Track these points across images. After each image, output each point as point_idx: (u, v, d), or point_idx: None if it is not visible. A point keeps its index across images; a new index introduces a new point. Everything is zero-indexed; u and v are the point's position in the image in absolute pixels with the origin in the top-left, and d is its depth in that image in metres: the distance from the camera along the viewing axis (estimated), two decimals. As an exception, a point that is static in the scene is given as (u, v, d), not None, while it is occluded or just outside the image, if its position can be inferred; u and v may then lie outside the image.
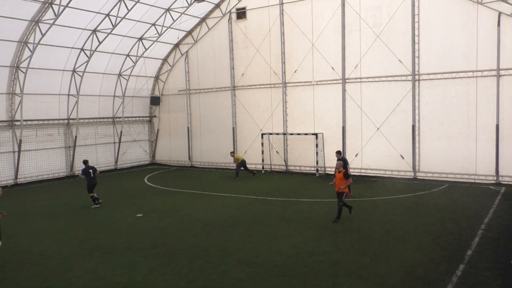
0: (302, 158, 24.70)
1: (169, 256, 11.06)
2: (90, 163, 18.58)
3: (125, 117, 29.89)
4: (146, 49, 28.18)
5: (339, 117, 23.49)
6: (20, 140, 24.10)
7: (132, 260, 10.82)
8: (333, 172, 17.33)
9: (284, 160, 25.75)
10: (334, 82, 23.56)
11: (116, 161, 29.59)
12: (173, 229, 13.71)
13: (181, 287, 9.03)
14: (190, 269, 10.04)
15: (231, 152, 26.06)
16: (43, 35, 22.17)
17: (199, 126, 29.59)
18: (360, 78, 22.69)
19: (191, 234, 13.02)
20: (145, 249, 11.69)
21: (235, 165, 25.18)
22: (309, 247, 11.39)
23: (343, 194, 13.70)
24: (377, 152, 22.45)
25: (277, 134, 25.64)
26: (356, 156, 23.02)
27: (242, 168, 24.38)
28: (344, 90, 23.21)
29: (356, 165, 22.98)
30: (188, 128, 29.99)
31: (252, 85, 26.63)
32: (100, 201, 17.62)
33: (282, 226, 13.40)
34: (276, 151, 25.91)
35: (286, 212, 15.56)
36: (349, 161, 19.88)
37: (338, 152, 18.40)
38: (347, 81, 23.14)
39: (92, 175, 17.46)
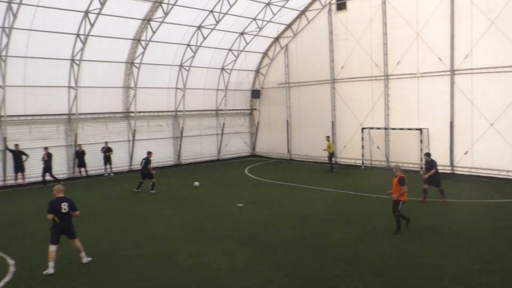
0: (405, 154, 23.59)
1: (267, 247, 11.33)
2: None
3: (227, 110, 31.08)
4: (247, 44, 28.94)
5: (446, 112, 21.96)
6: (134, 130, 26.31)
7: (232, 248, 11.28)
8: (441, 170, 16.37)
9: (385, 156, 24.83)
10: (441, 74, 22.04)
11: (219, 152, 30.93)
12: (271, 220, 14.01)
13: (278, 279, 9.21)
14: (287, 261, 10.19)
15: (327, 137, 25.35)
16: (153, 32, 23.91)
17: (298, 119, 29.70)
18: (472, 69, 20.93)
19: (289, 226, 13.19)
20: (244, 238, 12.11)
21: (326, 153, 24.84)
22: (410, 249, 10.91)
23: (399, 202, 12.11)
24: (490, 150, 20.59)
25: (378, 128, 24.78)
26: (465, 154, 21.37)
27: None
28: (452, 82, 21.63)
29: (465, 164, 21.37)
30: (287, 121, 30.26)
31: (352, 78, 26.00)
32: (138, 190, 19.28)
33: (382, 224, 12.97)
34: (377, 146, 25.07)
35: (387, 210, 15.04)
36: (457, 159, 18.53)
37: (426, 154, 16.53)
38: (456, 72, 21.51)
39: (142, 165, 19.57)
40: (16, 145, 21.99)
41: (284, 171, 25.01)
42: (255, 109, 32.83)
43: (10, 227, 14.02)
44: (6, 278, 9.49)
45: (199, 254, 10.86)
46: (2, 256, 10.98)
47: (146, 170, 19.25)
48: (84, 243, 10.56)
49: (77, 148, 24.26)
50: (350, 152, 26.36)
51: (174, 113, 28.43)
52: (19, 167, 22.19)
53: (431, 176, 15.71)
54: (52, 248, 9.79)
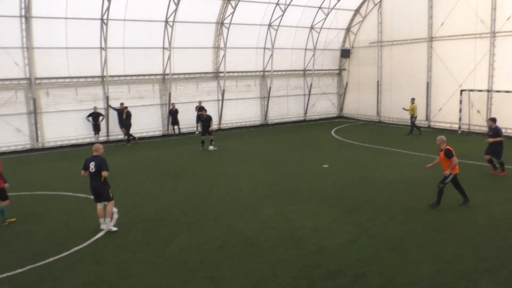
0: (510, 120, 21.60)
1: (352, 208, 11.25)
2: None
3: (315, 70, 30.55)
4: (338, 1, 27.82)
5: None
6: (224, 90, 27.00)
7: (317, 207, 11.36)
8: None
9: (486, 121, 22.95)
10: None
11: (305, 113, 30.77)
12: (357, 183, 13.81)
13: (363, 240, 9.15)
14: (372, 224, 10.06)
15: (412, 99, 24.07)
16: (244, -9, 23.90)
17: (389, 80, 28.37)
18: None
19: (375, 190, 12.92)
20: (329, 199, 12.12)
21: (409, 115, 23.87)
22: (509, 220, 10.17)
23: (450, 175, 10.99)
24: None
25: (480, 91, 22.85)
26: None
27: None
28: None
29: None
30: (377, 82, 29.06)
31: (453, 36, 24.01)
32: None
33: (479, 194, 12.16)
34: (477, 110, 23.22)
35: (485, 178, 14.08)
36: None
37: (491, 120, 14.68)
38: None
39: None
40: (122, 103, 23.72)
41: (372, 134, 24.30)
42: (344, 69, 31.87)
43: (115, 179, 15.38)
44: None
45: (284, 212, 11.10)
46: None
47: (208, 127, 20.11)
48: (178, 195, 11.30)
49: (171, 107, 25.56)
50: (445, 115, 24.77)
51: (261, 73, 28.60)
52: (122, 124, 24.03)
53: (494, 144, 14.23)
54: (98, 206, 10.02)
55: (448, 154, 10.88)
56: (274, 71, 28.61)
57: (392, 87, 28.15)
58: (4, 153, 21.10)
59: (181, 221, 10.54)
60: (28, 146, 22.62)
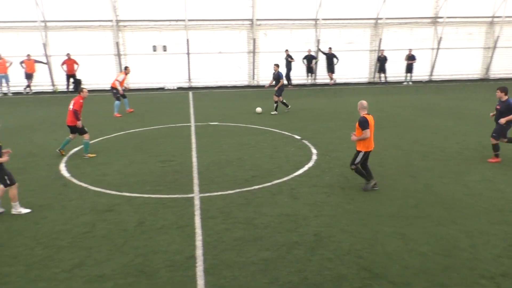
0: None
1: None
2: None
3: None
4: None
5: None
6: (440, 38, 24.59)
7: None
8: None
9: None
10: None
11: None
12: None
13: None
14: None
15: None
16: None
17: None
18: None
19: None
20: (556, 174, 10.27)
21: None
22: None
23: (357, 153, 9.04)
24: None
25: None
26: None
27: None
28: None
29: None
30: None
31: None
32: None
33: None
34: None
35: None
36: None
37: (501, 89, 10.78)
38: None
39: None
40: (330, 48, 24.09)
41: None
42: None
43: (316, 121, 16.04)
44: (310, 164, 11.12)
45: (496, 180, 9.89)
46: (308, 145, 12.82)
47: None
48: (378, 145, 11.14)
49: (379, 54, 24.70)
50: None
51: (490, 19, 24.91)
52: (330, 68, 24.52)
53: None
54: None
55: (361, 124, 8.85)
56: (506, 17, 24.56)
57: None
58: (226, 87, 23.99)
59: (376, 172, 10.44)
60: (245, 83, 25.17)
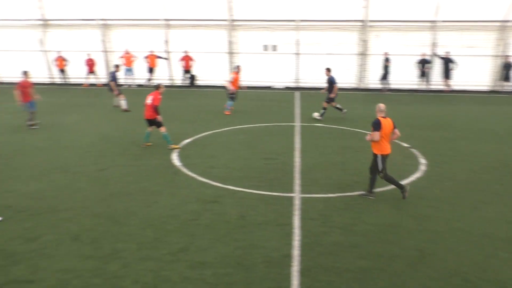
0: None
1: None
2: None
3: None
4: None
5: None
6: None
7: None
8: None
9: None
10: None
11: None
12: None
13: None
14: None
15: None
16: None
17: None
18: None
19: None
20: None
21: None
22: None
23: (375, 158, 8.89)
24: None
25: None
26: None
27: None
28: None
29: None
30: None
31: None
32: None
33: None
34: None
35: None
36: None
37: None
38: None
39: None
40: (447, 52, 22.63)
41: None
42: None
43: (424, 130, 15.16)
44: (417, 174, 10.56)
45: None
46: (416, 155, 12.18)
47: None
48: (489, 159, 10.24)
49: (505, 60, 22.59)
50: None
51: None
52: (446, 74, 23.06)
53: None
54: None
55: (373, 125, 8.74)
56: None
57: None
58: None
59: (491, 190, 9.58)
60: (353, 85, 24.66)
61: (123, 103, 18.42)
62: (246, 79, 25.18)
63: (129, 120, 16.50)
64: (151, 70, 25.24)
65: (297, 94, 23.06)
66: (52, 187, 9.53)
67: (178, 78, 25.86)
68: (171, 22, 25.13)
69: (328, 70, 16.86)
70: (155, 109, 12.35)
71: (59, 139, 13.69)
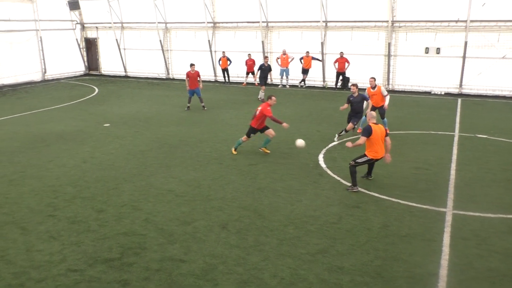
0: None
1: None
2: None
3: None
4: None
5: None
6: None
7: None
8: None
9: None
10: None
11: None
12: None
13: None
14: None
15: None
16: None
17: None
18: None
19: None
20: None
21: None
22: None
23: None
24: None
25: None
26: None
27: None
28: None
29: None
30: None
31: None
32: None
33: None
34: None
35: None
36: None
37: None
38: None
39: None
40: None
41: None
42: None
43: None
44: None
45: None
46: None
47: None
48: None
49: None
50: None
51: None
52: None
53: None
54: None
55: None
56: None
57: None
58: (503, 97, 21.19)
59: None
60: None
61: (261, 94, 20.27)
62: (403, 83, 24.13)
63: (281, 118, 17.09)
64: (305, 71, 25.72)
65: (459, 101, 21.12)
66: (208, 177, 10.42)
67: (331, 80, 25.85)
68: (329, 24, 25.28)
69: (355, 86, 13.78)
70: (269, 119, 11.88)
71: (216, 132, 14.89)
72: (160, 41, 29.75)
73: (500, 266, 6.42)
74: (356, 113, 13.55)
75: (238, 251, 6.93)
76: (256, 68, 24.56)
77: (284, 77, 26.21)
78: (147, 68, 31.07)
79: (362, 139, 9.28)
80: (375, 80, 14.69)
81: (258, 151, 12.53)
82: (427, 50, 23.43)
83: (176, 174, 10.60)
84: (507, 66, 21.12)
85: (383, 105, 14.31)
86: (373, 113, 9.69)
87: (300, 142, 11.39)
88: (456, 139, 13.88)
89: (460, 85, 22.81)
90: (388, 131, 9.59)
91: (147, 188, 9.70)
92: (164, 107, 19.81)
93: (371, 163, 9.78)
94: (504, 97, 21.45)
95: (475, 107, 19.29)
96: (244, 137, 12.34)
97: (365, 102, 13.72)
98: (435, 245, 7.03)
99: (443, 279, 6.11)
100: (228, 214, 8.32)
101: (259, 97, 21.06)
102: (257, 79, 24.50)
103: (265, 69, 22.19)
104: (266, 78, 22.47)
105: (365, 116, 11.71)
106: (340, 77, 25.31)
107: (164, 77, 30.60)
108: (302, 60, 25.38)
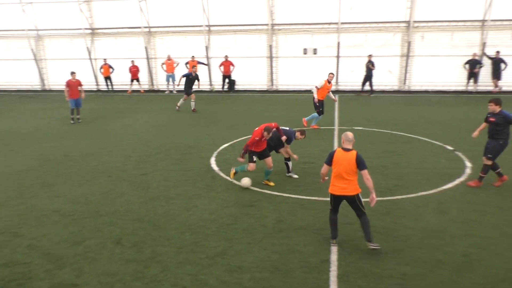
0: None
1: None
2: None
3: None
4: None
5: None
6: None
7: None
8: None
9: None
10: None
11: None
12: None
13: None
14: None
15: None
16: None
17: None
18: None
19: None
20: None
21: None
22: None
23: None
24: None
25: None
26: None
27: None
28: None
29: None
30: None
31: None
32: None
33: None
34: None
35: None
36: None
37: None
38: None
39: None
40: (497, 52, 21.71)
41: None
42: None
43: (467, 131, 14.55)
44: (462, 178, 10.14)
45: None
46: (461, 158, 11.71)
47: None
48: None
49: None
50: None
51: None
52: (495, 74, 22.12)
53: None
54: None
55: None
56: None
57: None
58: (374, 92, 23.28)
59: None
60: (395, 88, 24.10)
61: (181, 102, 19.89)
62: (286, 83, 25.25)
63: (171, 124, 16.83)
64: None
65: (337, 97, 22.74)
66: (96, 192, 9.85)
67: (218, 83, 26.14)
68: (212, 28, 25.52)
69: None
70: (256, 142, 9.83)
71: (102, 144, 14.15)
72: (32, 50, 27.44)
73: (381, 244, 7.03)
74: None
75: (135, 266, 6.65)
76: (178, 76, 22.52)
77: (171, 82, 25.87)
78: (19, 80, 28.45)
79: (323, 167, 7.47)
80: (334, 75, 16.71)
81: (148, 160, 12.19)
82: (305, 51, 24.86)
83: (61, 193, 9.85)
84: (374, 63, 23.27)
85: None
86: (349, 134, 7.17)
87: (246, 182, 9.89)
88: (336, 132, 14.93)
89: (336, 82, 24.60)
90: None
91: (28, 211, 8.85)
92: (42, 121, 18.31)
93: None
94: (374, 91, 23.61)
95: (352, 102, 20.94)
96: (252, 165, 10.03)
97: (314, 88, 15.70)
98: (326, 233, 7.46)
99: (334, 264, 6.52)
100: (121, 228, 7.94)
101: (178, 104, 19.88)
102: (170, 86, 24.19)
103: (192, 79, 19.73)
104: (191, 88, 19.89)
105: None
106: (227, 80, 25.73)
107: (40, 89, 28.31)
108: (187, 65, 25.29)
